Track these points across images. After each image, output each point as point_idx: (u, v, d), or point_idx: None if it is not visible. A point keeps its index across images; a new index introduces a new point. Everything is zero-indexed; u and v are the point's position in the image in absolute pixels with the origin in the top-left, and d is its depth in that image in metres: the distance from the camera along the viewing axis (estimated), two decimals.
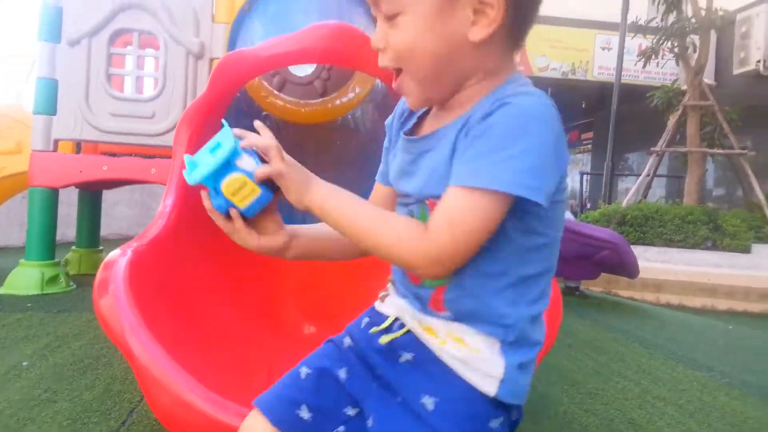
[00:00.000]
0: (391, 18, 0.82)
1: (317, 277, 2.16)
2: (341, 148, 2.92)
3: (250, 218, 0.85)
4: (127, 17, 3.67)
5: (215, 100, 1.97)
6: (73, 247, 4.56)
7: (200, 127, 1.96)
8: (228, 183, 0.80)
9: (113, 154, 4.16)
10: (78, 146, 4.18)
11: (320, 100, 3.23)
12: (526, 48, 10.92)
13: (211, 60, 3.66)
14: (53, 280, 3.66)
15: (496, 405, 0.82)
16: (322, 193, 0.82)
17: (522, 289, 0.82)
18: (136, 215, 7.60)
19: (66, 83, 3.67)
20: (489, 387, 0.81)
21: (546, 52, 11.72)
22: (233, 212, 0.83)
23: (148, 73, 4.02)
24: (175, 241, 1.75)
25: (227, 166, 0.80)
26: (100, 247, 4.68)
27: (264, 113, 2.96)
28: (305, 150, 2.94)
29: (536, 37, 11.05)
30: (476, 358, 0.81)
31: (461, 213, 0.75)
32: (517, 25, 0.82)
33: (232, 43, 3.25)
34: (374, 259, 0.82)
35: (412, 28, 0.80)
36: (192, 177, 0.80)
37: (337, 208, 0.82)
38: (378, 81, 2.85)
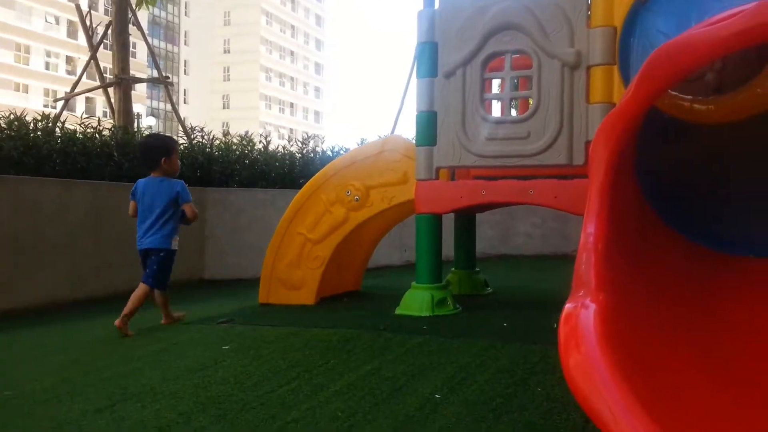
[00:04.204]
0: None
1: None
2: None
3: None
4: (497, 41, 3.64)
5: (644, 102, 1.63)
6: (453, 269, 4.76)
7: (623, 136, 1.64)
8: None
9: (485, 177, 4.19)
10: (452, 172, 4.35)
11: (730, 94, 2.61)
12: None
13: (588, 68, 3.37)
14: (442, 302, 3.81)
15: None
16: None
17: None
18: (497, 235, 7.79)
19: (443, 114, 3.83)
20: None
21: None
22: None
23: (524, 93, 3.93)
24: (612, 277, 1.47)
25: None
26: (477, 269, 4.79)
27: (667, 116, 2.50)
28: (731, 155, 2.37)
29: None
30: None
31: None
32: None
33: (624, 48, 2.86)
34: None
35: None
36: None
37: None
38: None
